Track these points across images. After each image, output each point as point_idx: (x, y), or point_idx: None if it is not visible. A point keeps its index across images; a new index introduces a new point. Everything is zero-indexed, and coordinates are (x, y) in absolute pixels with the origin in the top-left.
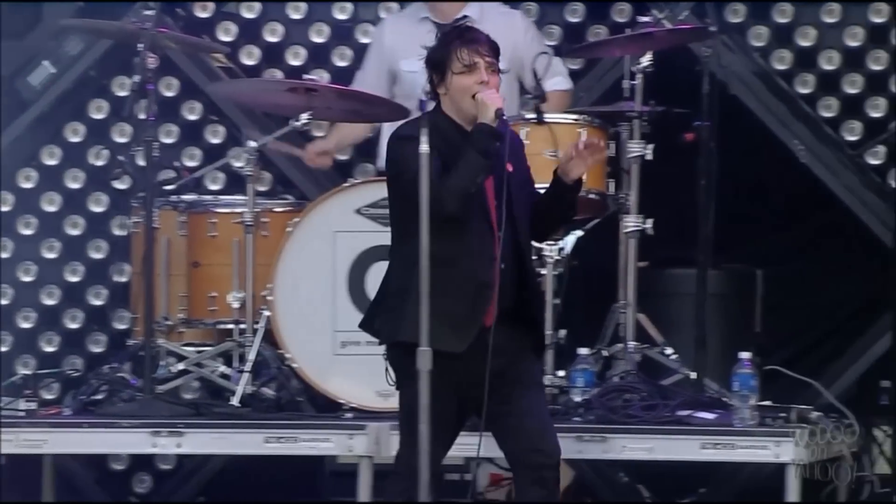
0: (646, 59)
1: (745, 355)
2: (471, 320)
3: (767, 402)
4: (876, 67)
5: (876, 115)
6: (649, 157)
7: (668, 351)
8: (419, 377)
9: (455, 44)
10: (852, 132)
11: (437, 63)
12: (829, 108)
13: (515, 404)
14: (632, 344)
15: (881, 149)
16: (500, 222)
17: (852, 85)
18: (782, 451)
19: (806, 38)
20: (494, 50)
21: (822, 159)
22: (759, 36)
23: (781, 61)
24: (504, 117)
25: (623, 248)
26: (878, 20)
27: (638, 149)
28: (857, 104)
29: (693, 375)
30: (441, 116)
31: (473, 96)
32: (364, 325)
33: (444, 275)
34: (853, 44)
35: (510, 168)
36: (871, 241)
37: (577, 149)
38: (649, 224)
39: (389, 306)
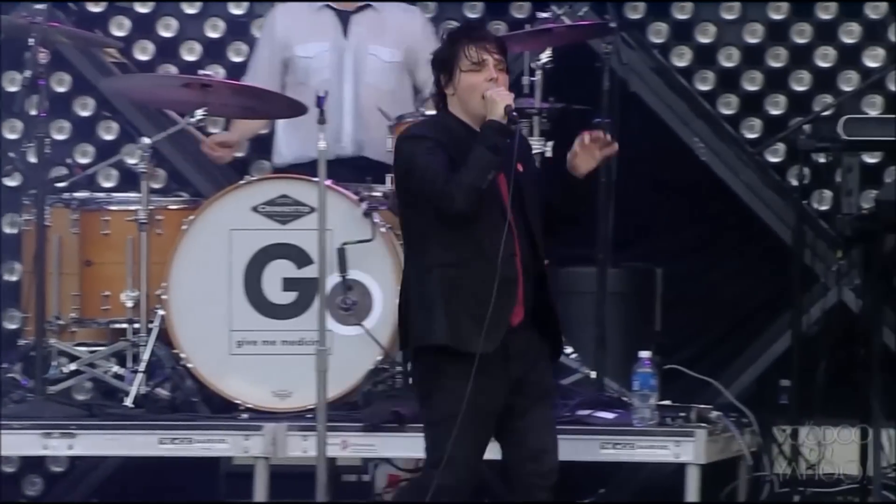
0: (545, 56)
1: (645, 354)
2: (499, 319)
3: (667, 402)
4: (775, 64)
5: (775, 112)
6: (549, 154)
7: (568, 350)
8: (449, 380)
9: (463, 41)
10: (752, 129)
11: (445, 62)
12: (728, 106)
13: (525, 417)
14: None
15: (781, 146)
16: (516, 220)
17: (752, 82)
18: (682, 450)
19: (706, 35)
20: (502, 48)
21: (721, 157)
22: (658, 33)
23: (681, 58)
24: (514, 114)
25: None
26: (777, 17)
27: (538, 146)
28: (756, 101)
29: (593, 375)
30: (449, 117)
31: (483, 96)
32: (402, 344)
33: (465, 274)
34: (753, 41)
35: (520, 167)
36: (771, 239)
37: (583, 144)
38: None
39: (417, 312)
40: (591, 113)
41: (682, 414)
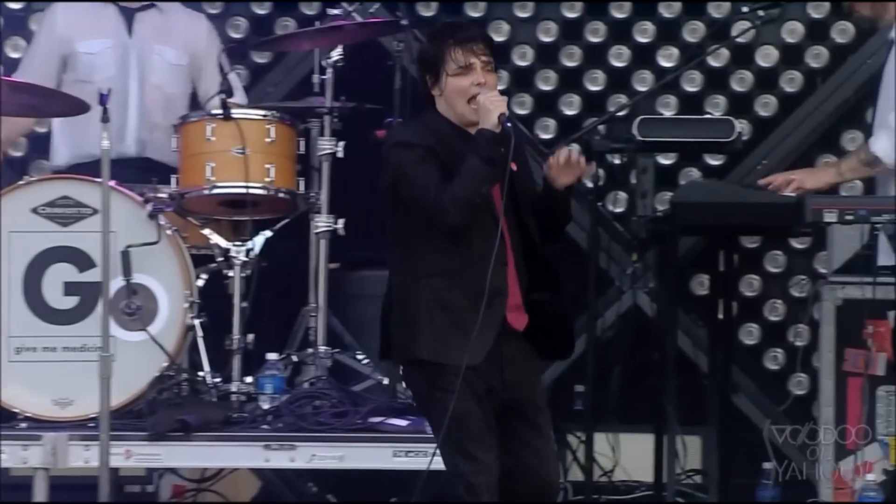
0: (336, 54)
1: None
2: (485, 330)
3: None
4: (569, 64)
5: (570, 112)
6: (340, 154)
7: (360, 356)
8: (443, 392)
9: (448, 43)
10: (546, 130)
11: (431, 63)
12: (522, 105)
13: (524, 443)
14: (322, 348)
15: (575, 147)
16: (509, 224)
17: (546, 81)
18: None
19: (499, 33)
20: (490, 47)
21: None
22: None
23: None
24: (508, 123)
25: (314, 249)
26: (571, 15)
27: (329, 146)
28: (550, 101)
29: (385, 381)
30: (438, 119)
31: (470, 100)
32: (382, 354)
33: (452, 285)
34: (547, 39)
35: (514, 167)
36: (566, 241)
37: (556, 163)
38: (341, 224)
39: (399, 323)
40: (383, 112)
41: None
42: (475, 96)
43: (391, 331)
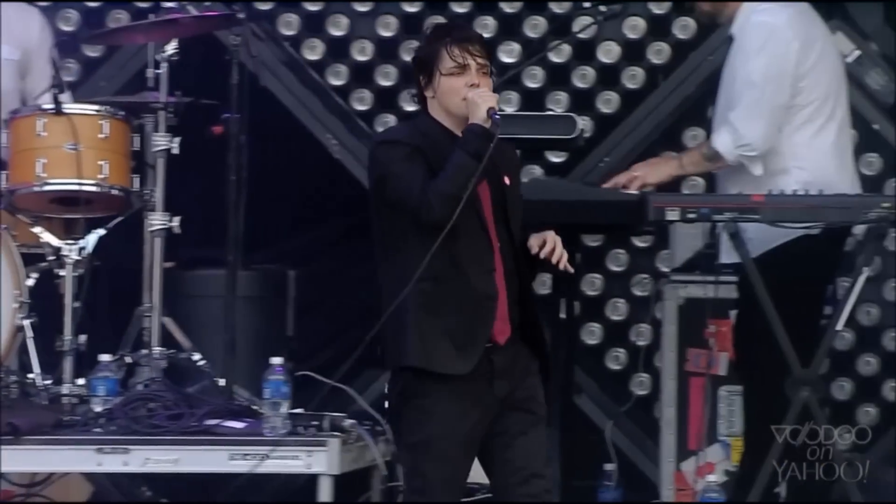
0: (171, 47)
1: (276, 360)
2: (475, 337)
3: (300, 410)
4: (409, 59)
5: (410, 108)
6: (176, 150)
7: (196, 357)
8: (426, 401)
9: (445, 41)
10: (386, 125)
11: (425, 62)
12: (362, 101)
13: (512, 438)
14: (157, 349)
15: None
16: (499, 233)
17: (386, 77)
18: (314, 461)
19: (338, 28)
20: (487, 51)
21: (356, 154)
22: (289, 24)
23: (313, 51)
24: (497, 118)
25: (148, 248)
26: (411, 10)
27: (163, 142)
28: (390, 97)
29: (222, 382)
30: (429, 121)
31: (464, 98)
32: (373, 361)
33: (441, 290)
34: (386, 34)
35: (507, 181)
36: None
37: (536, 245)
38: (176, 222)
39: (389, 330)
40: (219, 108)
41: (315, 423)
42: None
43: (383, 338)
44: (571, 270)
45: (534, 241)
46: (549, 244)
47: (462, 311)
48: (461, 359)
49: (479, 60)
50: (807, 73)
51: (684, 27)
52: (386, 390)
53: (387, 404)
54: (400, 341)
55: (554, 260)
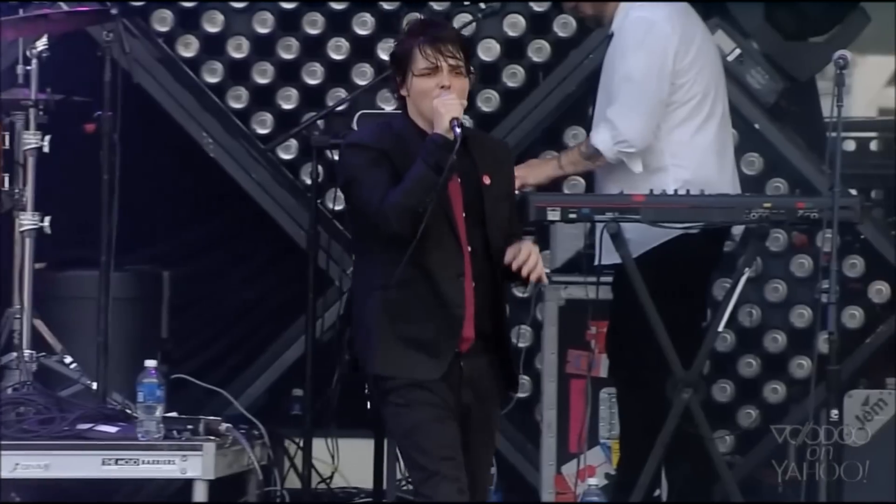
0: (41, 44)
1: (150, 363)
2: (441, 345)
3: (174, 414)
4: (287, 56)
5: (288, 106)
6: (46, 149)
7: (68, 360)
8: (400, 404)
9: (417, 41)
10: (263, 125)
11: (399, 60)
12: (238, 99)
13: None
14: (27, 352)
15: (293, 143)
16: (471, 236)
17: (263, 74)
18: (189, 465)
19: (213, 25)
20: (463, 49)
21: (232, 154)
22: (163, 21)
23: (188, 48)
24: (459, 127)
25: (18, 249)
26: (287, 6)
27: (34, 140)
28: (268, 95)
29: (94, 386)
30: (404, 121)
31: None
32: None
33: (406, 296)
34: (263, 31)
35: (487, 181)
36: (286, 240)
37: (511, 259)
38: (47, 222)
39: (357, 337)
40: (91, 105)
41: (190, 427)
42: None
43: (354, 344)
44: (546, 282)
45: (508, 252)
46: (521, 255)
47: (428, 317)
48: (429, 366)
49: (451, 61)
50: (686, 70)
51: (565, 25)
52: (366, 390)
53: (369, 405)
54: (366, 348)
55: (525, 272)
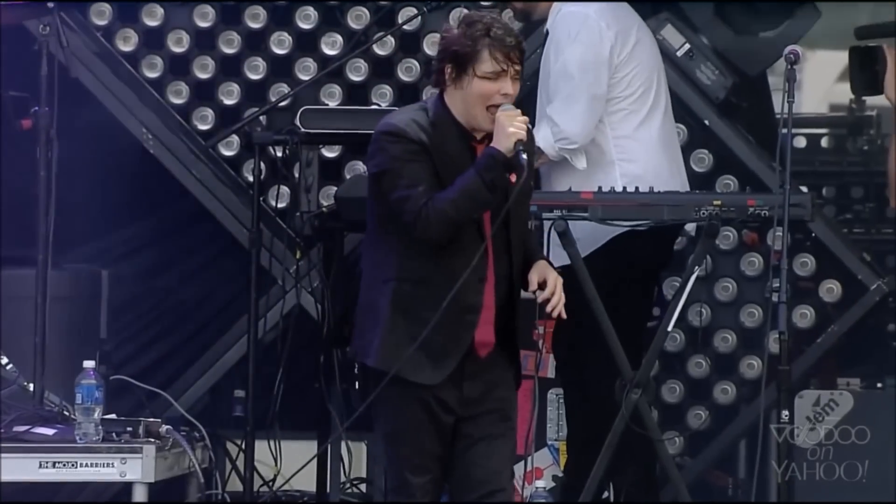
0: None
1: (89, 364)
2: (451, 349)
3: (113, 416)
4: (228, 50)
5: (229, 101)
6: None
7: (4, 360)
8: (389, 404)
9: (485, 42)
10: (204, 120)
11: (461, 57)
12: (179, 95)
13: (475, 447)
14: None
15: (235, 139)
16: (496, 240)
17: (203, 69)
18: (129, 468)
19: (153, 18)
20: (523, 55)
21: (172, 150)
22: (101, 14)
23: (127, 42)
24: (523, 158)
25: None
26: (228, 3)
27: None
28: (209, 90)
29: (31, 387)
30: (442, 110)
31: (490, 107)
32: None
33: (422, 294)
34: (204, 24)
35: (513, 178)
36: (227, 238)
37: (532, 283)
38: None
39: (361, 323)
40: (28, 100)
41: (130, 429)
42: (496, 105)
43: (354, 329)
44: (564, 317)
45: (533, 277)
46: (549, 288)
47: (440, 319)
48: (431, 369)
49: (516, 67)
50: (625, 63)
51: (511, 21)
52: (356, 370)
53: (357, 385)
54: (369, 339)
55: (549, 308)
